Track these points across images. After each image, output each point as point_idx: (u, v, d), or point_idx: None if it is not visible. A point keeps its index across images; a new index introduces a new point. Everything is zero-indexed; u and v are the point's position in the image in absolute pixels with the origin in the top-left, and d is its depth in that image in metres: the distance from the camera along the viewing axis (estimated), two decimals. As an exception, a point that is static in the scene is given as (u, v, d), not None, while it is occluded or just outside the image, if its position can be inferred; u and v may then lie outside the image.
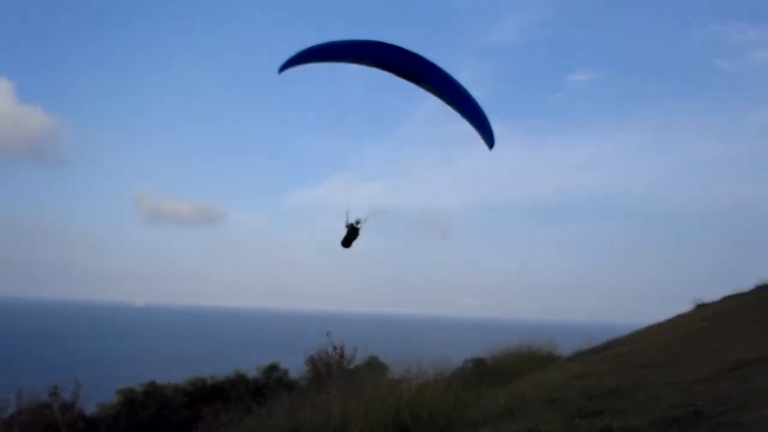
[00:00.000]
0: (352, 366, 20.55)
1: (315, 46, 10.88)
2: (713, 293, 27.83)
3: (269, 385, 22.47)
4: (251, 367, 28.86)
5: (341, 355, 21.28)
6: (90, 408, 21.16)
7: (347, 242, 12.22)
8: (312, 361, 21.79)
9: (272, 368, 28.44)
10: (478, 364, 20.59)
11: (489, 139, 12.23)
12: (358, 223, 12.12)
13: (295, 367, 25.34)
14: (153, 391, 24.75)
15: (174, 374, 30.38)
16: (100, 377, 41.89)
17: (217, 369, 28.93)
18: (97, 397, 23.87)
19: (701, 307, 26.30)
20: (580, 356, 19.79)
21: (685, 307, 27.24)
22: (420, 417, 10.14)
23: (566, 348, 22.83)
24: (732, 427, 7.42)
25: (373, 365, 18.37)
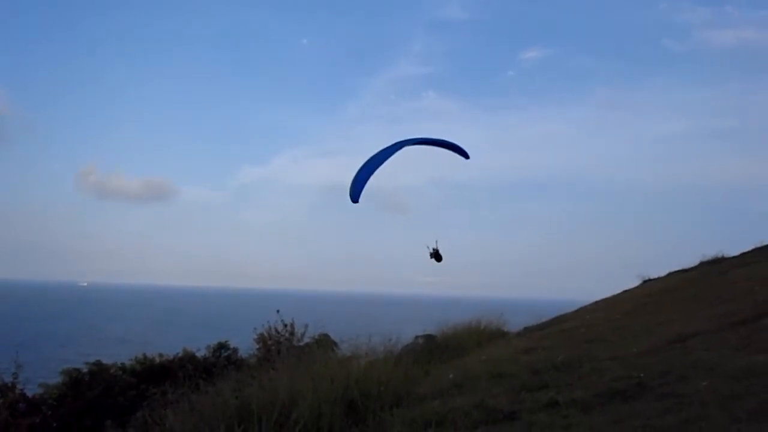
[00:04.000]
0: (302, 344, 20.52)
1: (371, 163, 13.32)
2: (660, 270, 28.56)
3: (218, 364, 22.24)
4: (200, 346, 28.58)
5: (291, 333, 21.22)
6: (32, 390, 20.70)
7: (438, 257, 15.25)
8: (262, 339, 21.65)
9: (221, 347, 28.15)
10: (428, 340, 20.73)
11: (464, 153, 14.84)
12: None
13: (245, 346, 25.17)
14: (99, 371, 24.27)
15: (121, 354, 29.92)
16: (44, 358, 41.13)
17: (165, 348, 28.57)
18: (41, 378, 23.38)
19: (647, 283, 26.99)
20: (527, 332, 20.10)
21: (632, 283, 27.93)
22: (369, 393, 10.15)
23: (515, 324, 23.15)
24: (673, 398, 7.60)
25: (323, 343, 18.36)
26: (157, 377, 23.08)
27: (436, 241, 15.04)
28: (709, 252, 27.24)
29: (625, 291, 26.29)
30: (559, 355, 11.86)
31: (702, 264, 26.50)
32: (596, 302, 24.94)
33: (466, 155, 14.85)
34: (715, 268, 24.49)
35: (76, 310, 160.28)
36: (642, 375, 8.87)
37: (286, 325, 21.41)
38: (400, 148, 13.75)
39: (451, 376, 12.00)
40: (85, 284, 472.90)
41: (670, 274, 27.08)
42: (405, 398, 10.49)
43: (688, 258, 28.78)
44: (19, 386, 16.24)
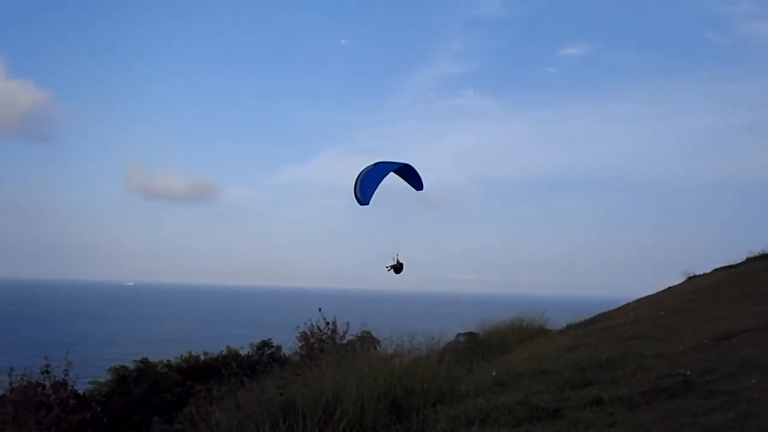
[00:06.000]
0: (344, 341, 20.63)
1: (371, 174, 13.82)
2: (705, 266, 28.04)
3: (261, 362, 22.51)
4: (243, 344, 28.96)
5: (333, 331, 21.35)
6: (82, 387, 21.20)
7: (398, 270, 15.15)
8: (304, 337, 21.82)
9: (264, 344, 28.54)
10: (470, 338, 20.70)
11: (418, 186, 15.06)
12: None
13: (288, 343, 25.40)
14: (145, 368, 24.80)
15: (166, 352, 30.46)
16: (92, 357, 41.98)
17: (209, 347, 29.02)
18: (88, 376, 23.93)
19: (692, 279, 26.53)
20: (570, 329, 19.95)
21: (676, 279, 27.47)
22: (412, 390, 10.19)
23: (557, 322, 22.97)
24: (720, 395, 7.51)
25: (366, 340, 18.42)
26: (202, 374, 23.49)
27: (397, 255, 15.04)
28: (756, 248, 26.62)
29: (670, 288, 25.89)
30: (604, 352, 11.78)
31: (749, 260, 25.94)
32: (640, 299, 24.60)
33: (419, 187, 15.11)
34: (762, 263, 23.97)
35: (122, 310, 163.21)
36: (688, 372, 8.78)
37: (328, 323, 21.55)
38: (389, 171, 14.24)
39: (493, 373, 11.99)
40: (131, 284, 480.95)
41: (715, 271, 26.55)
42: (448, 396, 10.51)
43: (734, 254, 28.18)
44: (69, 383, 16.67)
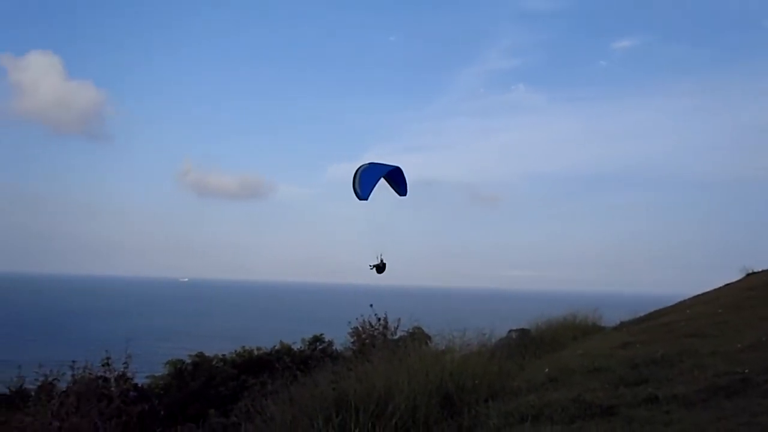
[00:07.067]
0: (395, 337, 20.72)
1: (369, 171, 14.29)
2: (764, 262, 27.30)
3: (314, 356, 22.82)
4: (295, 339, 29.34)
5: (385, 327, 21.44)
6: (139, 380, 21.74)
7: (380, 270, 15.28)
8: (356, 333, 21.96)
9: (317, 340, 28.89)
10: (522, 334, 20.58)
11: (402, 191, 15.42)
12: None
13: (339, 339, 25.63)
14: (201, 362, 25.37)
15: (220, 347, 31.04)
16: (148, 352, 42.92)
17: (261, 342, 29.47)
18: (145, 370, 24.55)
19: (750, 276, 25.91)
20: (624, 326, 19.70)
21: (733, 276, 26.84)
22: (464, 386, 10.22)
23: (610, 319, 22.72)
24: (780, 394, 7.37)
25: (417, 336, 18.48)
26: (256, 368, 23.90)
27: (381, 255, 15.26)
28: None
29: (727, 284, 25.33)
30: (658, 349, 11.62)
31: (810, 256, 25.23)
32: (696, 296, 24.16)
33: (402, 193, 15.47)
34: (824, 260, 23.29)
35: (177, 306, 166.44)
36: (746, 371, 8.62)
37: (379, 319, 21.65)
38: (386, 171, 14.73)
39: (546, 370, 11.93)
40: (186, 280, 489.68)
41: (774, 267, 25.89)
42: (500, 392, 10.50)
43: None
44: (129, 375, 17.12)
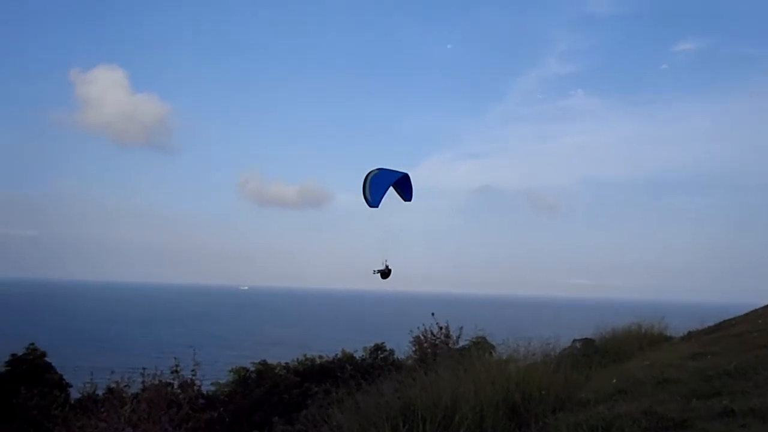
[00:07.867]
0: (458, 346, 20.65)
1: (378, 178, 14.38)
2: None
3: (376, 365, 22.90)
4: (356, 348, 29.48)
5: (447, 335, 21.39)
6: (205, 387, 22.15)
7: (385, 275, 15.70)
8: (418, 342, 21.97)
9: (378, 348, 28.99)
10: (587, 344, 20.26)
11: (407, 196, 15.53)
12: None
13: (400, 347, 25.65)
14: (265, 370, 25.72)
15: (282, 354, 31.42)
16: (211, 359, 43.64)
17: (322, 350, 29.74)
18: (208, 377, 25.02)
19: (825, 285, 25.01)
20: (693, 336, 19.23)
21: (809, 285, 25.95)
22: (531, 397, 10.11)
23: (677, 328, 22.20)
24: None
25: (481, 345, 18.40)
26: (318, 376, 24.15)
27: (386, 261, 15.57)
28: None
29: (802, 293, 24.49)
30: (731, 361, 11.30)
31: None
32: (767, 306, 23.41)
33: (408, 198, 15.53)
34: None
35: (238, 313, 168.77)
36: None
37: (441, 328, 21.62)
38: (395, 179, 14.79)
39: (614, 381, 11.72)
40: (246, 288, 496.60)
41: None
42: (567, 403, 10.35)
43: None
44: (197, 383, 17.50)
